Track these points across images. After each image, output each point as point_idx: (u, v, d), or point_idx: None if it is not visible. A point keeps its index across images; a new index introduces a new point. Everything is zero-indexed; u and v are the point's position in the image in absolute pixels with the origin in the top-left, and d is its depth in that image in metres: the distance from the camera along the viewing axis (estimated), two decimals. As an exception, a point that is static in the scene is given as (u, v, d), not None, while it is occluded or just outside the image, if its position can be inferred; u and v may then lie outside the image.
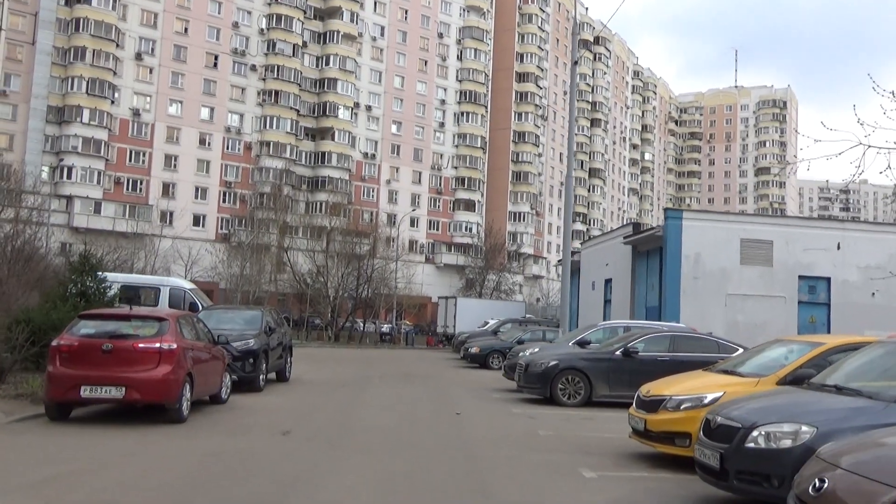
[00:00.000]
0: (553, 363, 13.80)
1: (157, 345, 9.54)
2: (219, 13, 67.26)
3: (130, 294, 18.83)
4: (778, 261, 24.82)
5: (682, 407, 7.83)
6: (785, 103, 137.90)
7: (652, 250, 26.44)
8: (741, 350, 13.71)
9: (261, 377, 14.14)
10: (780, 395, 6.55)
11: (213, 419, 10.52)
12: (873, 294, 24.26)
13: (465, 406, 13.40)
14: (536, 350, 16.25)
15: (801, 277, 24.96)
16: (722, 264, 24.56)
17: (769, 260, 24.77)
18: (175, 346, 9.59)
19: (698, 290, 24.33)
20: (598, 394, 13.64)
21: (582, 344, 15.83)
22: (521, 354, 16.55)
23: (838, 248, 24.80)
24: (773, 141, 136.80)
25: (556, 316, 55.77)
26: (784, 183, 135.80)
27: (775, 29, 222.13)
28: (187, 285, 20.92)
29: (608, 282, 31.06)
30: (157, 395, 9.52)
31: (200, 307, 18.45)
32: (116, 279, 19.19)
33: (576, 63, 19.29)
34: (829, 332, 24.46)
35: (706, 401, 7.59)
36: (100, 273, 15.37)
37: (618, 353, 13.70)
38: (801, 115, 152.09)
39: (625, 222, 74.52)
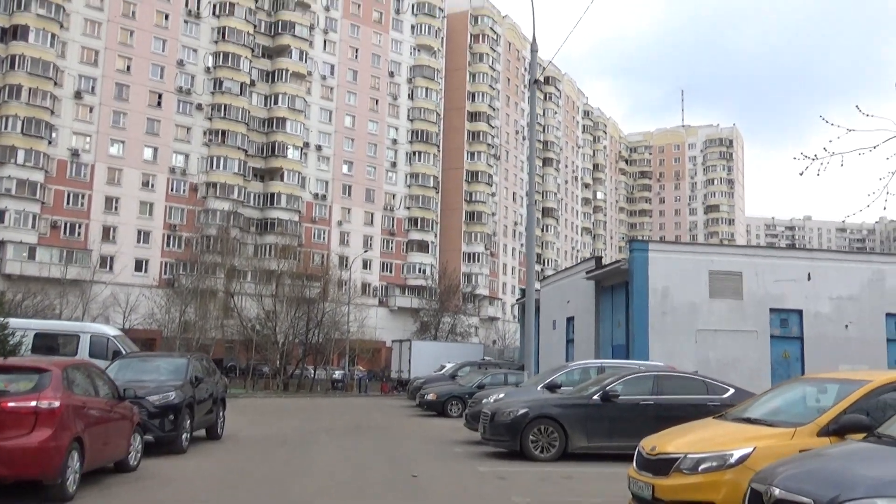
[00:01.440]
0: (522, 411, 12.08)
1: (33, 403, 7.53)
2: (163, 51, 65.36)
3: (45, 342, 16.66)
4: (748, 293, 23.72)
5: (701, 468, 6.20)
6: (731, 142, 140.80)
7: (617, 285, 25.14)
8: (732, 390, 12.30)
9: (183, 436, 12.10)
10: (849, 454, 4.95)
11: (110, 495, 8.51)
12: (846, 326, 23.30)
13: (423, 465, 11.53)
14: (502, 396, 14.45)
15: (772, 310, 23.86)
16: (691, 298, 23.35)
17: (739, 292, 23.66)
18: (58, 404, 7.61)
19: (667, 325, 23.03)
20: (574, 445, 11.96)
21: (552, 388, 14.18)
22: (484, 402, 14.76)
23: (809, 278, 23.83)
24: (720, 179, 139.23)
25: (515, 358, 54.38)
26: (733, 220, 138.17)
27: (719, 71, 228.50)
28: (111, 332, 18.79)
29: (570, 320, 29.65)
30: (31, 469, 7.49)
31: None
32: (30, 326, 17.04)
33: (536, 82, 18.00)
34: (803, 368, 23.34)
35: (733, 459, 6.03)
36: (1, 319, 13.26)
37: (595, 397, 12.09)
38: (746, 153, 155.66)
39: (578, 262, 73.93)
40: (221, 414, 14.63)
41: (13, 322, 16.91)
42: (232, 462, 11.68)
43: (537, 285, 40.78)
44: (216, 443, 14.09)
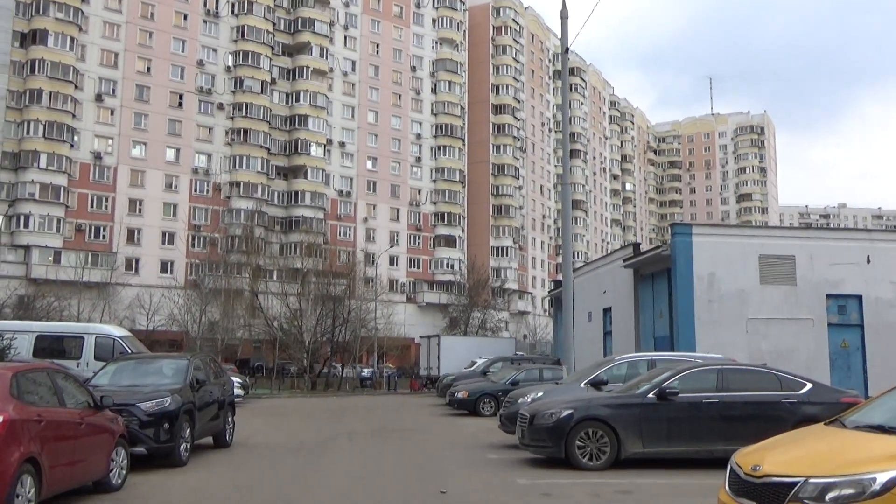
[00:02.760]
0: (567, 412, 10.47)
1: (-34, 419, 6.30)
2: (182, 51, 64.72)
3: (48, 345, 15.51)
4: (802, 278, 21.90)
5: (829, 497, 4.57)
6: (762, 129, 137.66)
7: (657, 273, 23.46)
8: (809, 385, 10.69)
9: (182, 447, 10.71)
10: None
11: None
12: (910, 312, 21.41)
13: (454, 477, 9.94)
14: (540, 395, 12.90)
15: (828, 296, 22.01)
16: (740, 285, 21.59)
17: (792, 277, 21.85)
18: (1, 419, 6.31)
19: (714, 315, 21.32)
20: (627, 451, 10.38)
21: (596, 385, 12.64)
22: (521, 401, 13.22)
23: (868, 261, 21.96)
24: (752, 167, 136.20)
25: (548, 352, 52.78)
26: (766, 208, 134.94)
27: (748, 59, 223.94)
28: (117, 332, 17.62)
29: (607, 311, 28.00)
30: (-40, 498, 6.12)
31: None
32: (31, 328, 15.91)
33: (566, 51, 16.46)
34: (864, 358, 21.53)
35: (876, 485, 4.43)
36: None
37: (650, 395, 10.52)
38: (778, 140, 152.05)
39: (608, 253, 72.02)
40: (230, 419, 13.26)
41: (13, 325, 15.83)
42: (235, 476, 10.25)
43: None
44: (223, 452, 12.69)
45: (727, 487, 5.29)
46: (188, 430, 10.91)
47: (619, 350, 24.76)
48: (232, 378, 26.80)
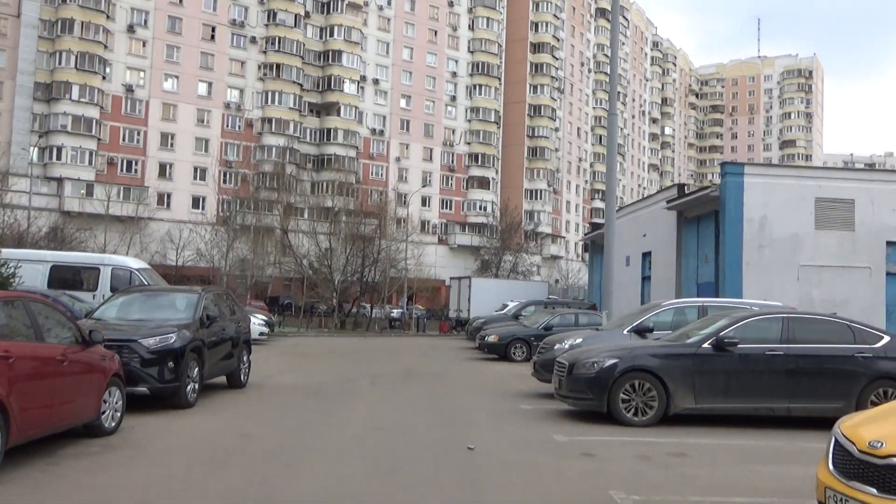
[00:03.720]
0: (610, 362, 9.46)
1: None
2: (216, -19, 63.15)
3: (63, 275, 14.85)
4: (861, 223, 20.43)
5: None
6: (811, 73, 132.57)
7: (704, 216, 22.12)
8: (887, 338, 9.53)
9: (189, 387, 9.90)
10: None
11: (41, 481, 6.12)
12: (978, 262, 19.90)
13: (483, 431, 9.03)
14: (579, 341, 11.84)
15: (889, 243, 20.55)
16: (793, 229, 20.20)
17: (850, 223, 20.41)
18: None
19: (764, 261, 20.03)
20: (677, 406, 9.34)
21: (641, 332, 11.55)
22: (557, 347, 12.19)
23: (934, 207, 20.41)
24: (798, 112, 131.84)
25: (581, 297, 51.68)
26: (810, 156, 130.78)
27: (794, 1, 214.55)
28: (135, 264, 16.93)
29: (646, 255, 26.76)
30: None
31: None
32: (45, 257, 15.25)
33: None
34: (924, 309, 20.15)
35: None
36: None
37: (706, 345, 9.43)
38: (826, 86, 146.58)
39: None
40: (245, 359, 12.45)
41: (27, 253, 15.19)
42: (243, 423, 9.43)
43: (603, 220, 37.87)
44: (236, 393, 11.89)
45: (831, 466, 4.20)
46: (196, 369, 10.06)
47: (658, 295, 23.64)
48: (257, 315, 26.49)
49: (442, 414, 10.64)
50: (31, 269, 14.99)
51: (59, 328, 7.25)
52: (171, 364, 9.40)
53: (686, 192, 23.68)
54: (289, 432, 8.70)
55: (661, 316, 12.22)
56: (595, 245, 37.79)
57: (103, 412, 7.67)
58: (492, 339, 21.93)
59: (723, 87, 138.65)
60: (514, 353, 21.07)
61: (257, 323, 25.17)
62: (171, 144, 60.94)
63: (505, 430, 9.07)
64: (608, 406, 9.36)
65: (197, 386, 10.17)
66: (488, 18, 78.89)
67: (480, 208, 75.01)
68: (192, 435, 8.44)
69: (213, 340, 10.79)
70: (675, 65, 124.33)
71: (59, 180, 55.42)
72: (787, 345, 9.43)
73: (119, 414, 8.04)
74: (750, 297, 18.16)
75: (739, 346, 9.37)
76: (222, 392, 11.86)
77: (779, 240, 20.17)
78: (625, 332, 11.83)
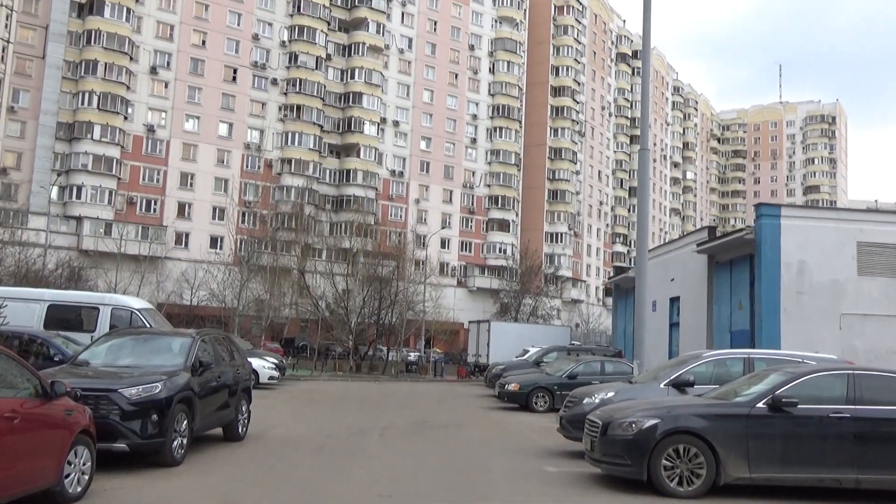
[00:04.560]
0: (651, 423, 8.37)
1: None
2: (238, 25, 63.78)
3: (60, 315, 14.04)
4: (906, 270, 19.32)
5: None
6: (834, 118, 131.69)
7: (737, 259, 21.05)
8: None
9: (175, 442, 8.92)
10: None
11: None
12: None
13: (503, 499, 8.06)
14: (612, 395, 10.79)
15: (937, 292, 19.39)
16: (834, 275, 19.10)
17: (895, 269, 19.26)
18: None
19: (803, 308, 18.89)
20: (729, 475, 8.17)
21: (680, 386, 10.48)
22: (586, 401, 11.10)
23: (984, 254, 19.24)
24: (822, 158, 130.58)
25: (607, 343, 50.23)
26: (835, 202, 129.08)
27: (816, 47, 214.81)
28: (136, 304, 16.11)
29: (674, 301, 25.63)
30: None
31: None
32: (43, 296, 14.47)
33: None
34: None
35: None
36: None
37: (760, 404, 8.35)
38: (850, 131, 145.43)
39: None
40: (244, 408, 11.44)
41: (24, 292, 14.44)
42: (231, 483, 8.36)
43: (627, 265, 36.65)
44: (232, 447, 10.85)
45: None
46: (185, 422, 9.10)
47: (687, 343, 22.48)
48: (267, 358, 25.55)
49: (458, 476, 9.58)
50: (27, 308, 14.26)
51: (13, 378, 6.34)
52: (154, 417, 8.44)
53: (717, 234, 22.65)
54: (282, 498, 7.64)
55: (701, 368, 11.11)
56: (619, 289, 36.63)
57: (67, 475, 6.71)
58: (512, 387, 20.82)
59: (745, 132, 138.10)
60: (536, 403, 19.92)
61: (267, 366, 24.23)
62: (191, 184, 60.93)
63: (530, 499, 7.94)
64: (648, 473, 8.24)
65: (185, 441, 9.17)
66: (509, 62, 79.03)
67: (500, 251, 74.15)
68: (169, 501, 7.45)
69: (206, 389, 9.84)
70: (696, 109, 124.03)
71: (78, 219, 55.35)
72: (853, 406, 8.29)
73: (87, 476, 7.07)
74: (788, 347, 17.07)
75: (799, 406, 8.28)
76: (216, 446, 10.86)
77: (819, 286, 19.06)
78: (661, 385, 10.71)
